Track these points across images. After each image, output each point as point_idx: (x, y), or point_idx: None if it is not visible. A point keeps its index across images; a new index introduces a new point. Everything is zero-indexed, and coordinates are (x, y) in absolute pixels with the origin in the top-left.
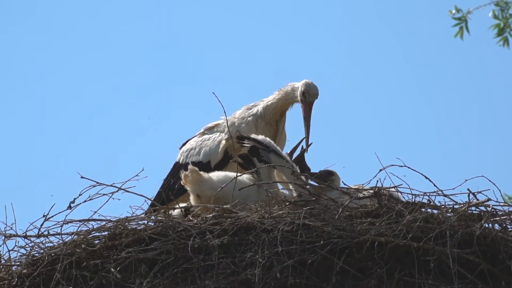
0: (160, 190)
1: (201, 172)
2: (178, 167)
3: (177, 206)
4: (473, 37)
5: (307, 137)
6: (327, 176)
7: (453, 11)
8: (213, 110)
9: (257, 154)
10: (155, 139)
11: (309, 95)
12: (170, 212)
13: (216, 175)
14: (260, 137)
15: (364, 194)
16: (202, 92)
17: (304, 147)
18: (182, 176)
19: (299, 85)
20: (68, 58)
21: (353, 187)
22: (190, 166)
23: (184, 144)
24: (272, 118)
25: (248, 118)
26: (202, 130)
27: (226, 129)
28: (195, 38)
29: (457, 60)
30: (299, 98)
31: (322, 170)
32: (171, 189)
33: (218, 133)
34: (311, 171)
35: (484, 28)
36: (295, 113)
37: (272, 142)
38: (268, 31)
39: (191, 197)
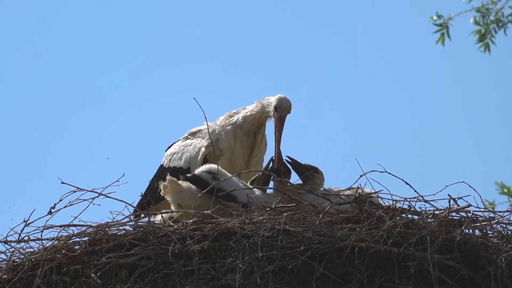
0: (141, 197)
1: (180, 181)
2: (162, 170)
3: (158, 212)
4: (454, 43)
5: (277, 153)
6: (311, 172)
7: (435, 18)
8: (197, 113)
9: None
10: (137, 144)
11: (281, 110)
12: (153, 218)
13: None
14: (204, 172)
15: (343, 199)
16: (189, 93)
17: (273, 164)
18: (161, 186)
19: (273, 99)
20: (50, 60)
21: (333, 188)
22: (168, 177)
23: (169, 147)
24: (250, 130)
25: (228, 127)
26: (186, 135)
27: (207, 137)
28: (185, 39)
29: (439, 66)
30: (271, 113)
31: (306, 163)
32: (153, 193)
33: (200, 139)
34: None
35: (465, 34)
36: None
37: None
38: (263, 31)
39: (172, 207)
